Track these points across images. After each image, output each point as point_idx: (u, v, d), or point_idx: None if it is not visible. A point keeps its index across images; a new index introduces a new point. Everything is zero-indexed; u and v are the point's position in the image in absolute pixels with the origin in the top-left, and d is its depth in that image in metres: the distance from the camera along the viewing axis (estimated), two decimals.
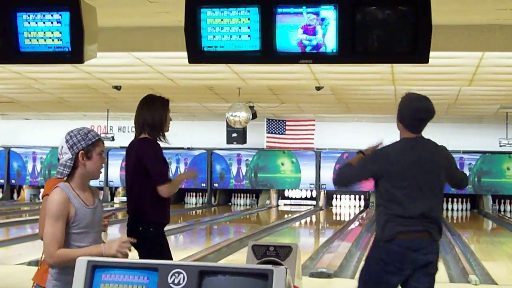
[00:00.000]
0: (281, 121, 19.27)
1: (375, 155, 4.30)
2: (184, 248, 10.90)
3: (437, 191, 4.27)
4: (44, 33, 4.62)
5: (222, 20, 4.47)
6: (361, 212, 20.11)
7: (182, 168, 21.13)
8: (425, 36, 4.30)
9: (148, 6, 6.70)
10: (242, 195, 22.07)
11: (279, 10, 4.41)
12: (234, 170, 21.50)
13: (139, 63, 9.61)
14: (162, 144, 4.79)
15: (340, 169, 4.47)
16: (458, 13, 6.86)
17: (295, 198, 21.69)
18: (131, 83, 11.61)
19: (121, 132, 20.23)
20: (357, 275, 4.61)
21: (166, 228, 4.91)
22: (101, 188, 20.95)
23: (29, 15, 4.62)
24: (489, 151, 19.85)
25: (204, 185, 21.37)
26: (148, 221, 4.68)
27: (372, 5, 4.36)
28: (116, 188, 22.16)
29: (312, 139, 19.47)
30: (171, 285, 2.66)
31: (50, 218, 3.35)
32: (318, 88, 11.65)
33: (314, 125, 19.31)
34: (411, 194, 4.18)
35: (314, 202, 21.27)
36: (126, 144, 4.95)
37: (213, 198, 21.91)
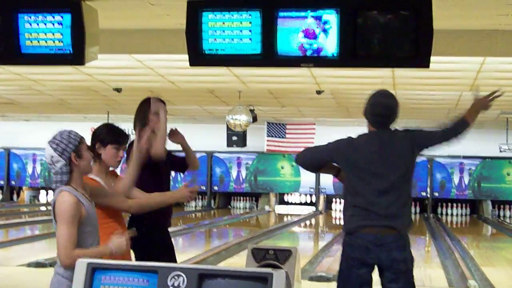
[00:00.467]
0: (281, 125, 19.27)
1: (338, 139, 4.39)
2: (183, 251, 10.88)
3: (402, 185, 4.24)
4: (45, 34, 4.62)
5: (223, 23, 4.47)
6: None
7: None
8: (426, 41, 4.30)
9: (150, 9, 6.70)
10: (241, 198, 22.07)
11: (281, 13, 4.41)
12: (234, 173, 21.51)
13: (140, 65, 9.61)
14: None
15: (306, 148, 4.59)
16: (459, 18, 6.87)
17: (294, 203, 21.64)
18: (132, 86, 11.62)
19: None
20: None
21: None
22: None
23: (30, 17, 4.62)
24: (489, 157, 19.85)
25: (203, 188, 21.36)
26: (139, 220, 4.67)
27: (374, 10, 4.36)
28: None
29: (313, 143, 19.43)
30: (171, 287, 2.66)
31: (64, 220, 3.40)
32: (318, 92, 11.65)
33: (314, 129, 19.31)
34: (375, 187, 4.20)
35: (313, 208, 21.23)
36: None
37: (212, 201, 21.90)
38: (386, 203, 4.19)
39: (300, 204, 21.60)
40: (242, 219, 19.13)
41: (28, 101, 15.12)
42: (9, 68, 10.06)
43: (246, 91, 12.13)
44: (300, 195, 21.59)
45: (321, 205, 21.30)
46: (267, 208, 21.31)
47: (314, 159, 4.48)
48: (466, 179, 20.36)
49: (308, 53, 4.43)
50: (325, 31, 4.38)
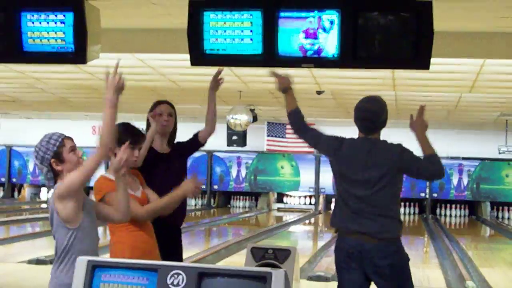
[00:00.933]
0: (281, 125, 19.27)
1: (333, 136, 4.46)
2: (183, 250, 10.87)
3: (379, 194, 4.18)
4: (48, 33, 4.63)
5: (225, 23, 4.49)
6: None
7: None
8: (426, 42, 4.32)
9: (151, 8, 6.71)
10: (241, 197, 22.07)
11: (282, 14, 4.43)
12: (234, 172, 21.51)
13: (142, 64, 9.62)
14: None
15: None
16: (459, 20, 6.88)
17: (293, 208, 21.60)
18: (133, 85, 11.61)
19: None
20: None
21: None
22: None
23: (33, 15, 4.64)
24: (488, 158, 19.85)
25: (203, 187, 21.35)
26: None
27: (375, 11, 4.38)
28: None
29: None
30: (170, 286, 2.68)
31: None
32: (319, 93, 11.66)
33: None
34: (355, 194, 4.19)
35: (312, 208, 21.24)
36: None
37: (212, 200, 21.90)
38: (366, 210, 4.16)
39: (300, 204, 21.60)
40: (241, 218, 19.14)
41: (30, 99, 15.13)
42: (12, 66, 10.07)
43: (246, 90, 12.14)
44: (300, 197, 21.61)
45: (320, 205, 21.30)
46: (266, 206, 21.29)
47: (306, 127, 4.65)
48: (465, 180, 20.37)
49: (309, 53, 4.46)
50: (325, 31, 4.40)
